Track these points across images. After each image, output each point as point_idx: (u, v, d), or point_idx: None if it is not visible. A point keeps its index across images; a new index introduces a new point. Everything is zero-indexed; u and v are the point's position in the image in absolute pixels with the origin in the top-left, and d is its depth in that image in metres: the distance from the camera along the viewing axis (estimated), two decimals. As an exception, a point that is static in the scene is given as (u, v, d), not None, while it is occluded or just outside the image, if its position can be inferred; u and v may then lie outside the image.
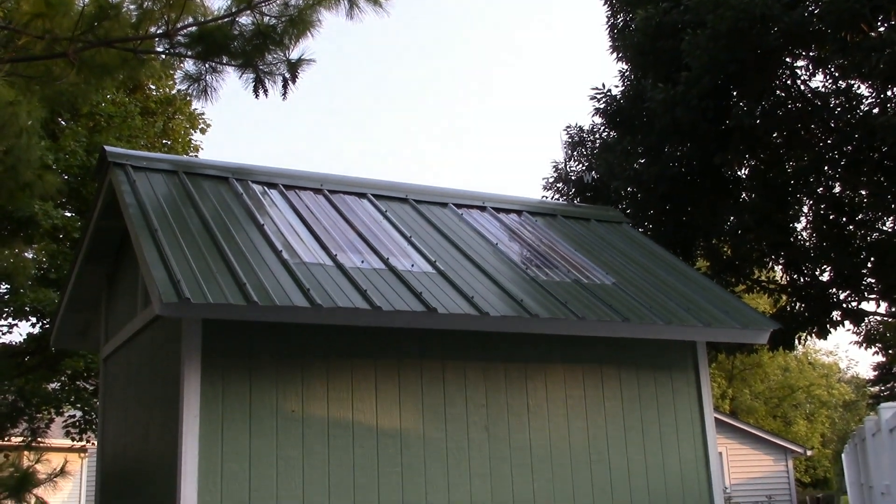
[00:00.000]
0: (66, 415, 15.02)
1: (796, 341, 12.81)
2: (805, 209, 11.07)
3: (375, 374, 4.94)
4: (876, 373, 31.16)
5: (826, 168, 9.68)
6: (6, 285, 11.43)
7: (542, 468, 5.24)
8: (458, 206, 6.78)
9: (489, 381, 5.25)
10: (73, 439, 14.51)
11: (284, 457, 4.60)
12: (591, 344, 5.59)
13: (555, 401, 5.41)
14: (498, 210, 6.98)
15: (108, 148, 5.76)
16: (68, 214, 11.51)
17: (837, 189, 10.55)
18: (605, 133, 11.58)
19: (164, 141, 13.05)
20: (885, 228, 10.63)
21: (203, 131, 13.92)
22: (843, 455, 22.60)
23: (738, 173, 10.88)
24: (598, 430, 5.48)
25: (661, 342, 5.80)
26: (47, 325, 11.90)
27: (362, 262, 5.21)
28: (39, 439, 13.87)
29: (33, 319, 13.48)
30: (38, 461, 7.37)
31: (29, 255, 11.20)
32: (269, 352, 4.70)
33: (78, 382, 14.22)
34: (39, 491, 7.56)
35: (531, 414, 5.31)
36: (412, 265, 5.36)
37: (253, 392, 4.62)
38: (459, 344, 5.19)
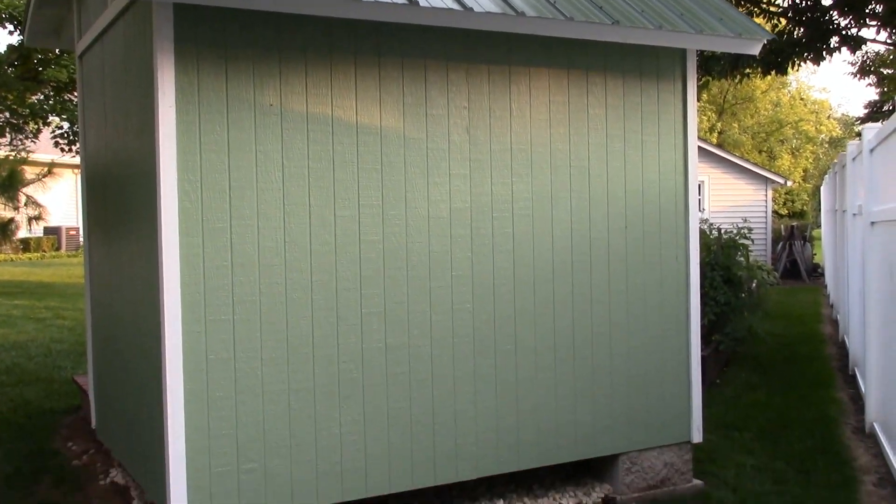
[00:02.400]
0: (54, 126, 14.97)
1: (789, 67, 12.63)
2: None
3: (355, 72, 4.83)
4: (866, 111, 31.11)
5: None
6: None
7: (521, 171, 5.29)
8: None
9: (472, 83, 5.16)
10: (62, 150, 14.60)
11: (264, 150, 4.60)
12: (578, 48, 5.45)
13: (538, 106, 5.36)
14: None
15: None
16: None
17: None
18: None
19: None
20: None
21: None
22: (821, 187, 23.11)
23: None
24: (580, 136, 5.48)
25: (651, 50, 5.67)
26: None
27: (341, -49, 4.91)
28: (29, 150, 13.94)
29: (10, 27, 13.02)
30: (24, 162, 7.42)
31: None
32: (245, 42, 4.55)
33: (63, 95, 14.04)
34: (29, 191, 7.69)
35: (513, 118, 5.28)
36: (394, -43, 5.07)
37: (230, 85, 4.53)
38: (442, 43, 5.04)
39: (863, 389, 7.89)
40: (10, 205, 7.30)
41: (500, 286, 5.24)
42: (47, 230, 27.83)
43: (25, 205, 7.37)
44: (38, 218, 7.52)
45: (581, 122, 5.49)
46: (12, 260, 24.83)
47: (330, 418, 4.76)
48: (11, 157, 7.70)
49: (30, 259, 25.68)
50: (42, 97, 14.00)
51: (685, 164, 5.86)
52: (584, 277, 5.50)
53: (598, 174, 5.56)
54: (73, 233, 28.83)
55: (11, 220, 7.44)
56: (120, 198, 5.50)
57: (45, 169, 7.67)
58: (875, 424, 7.01)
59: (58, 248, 28.21)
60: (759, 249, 21.87)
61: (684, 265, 5.85)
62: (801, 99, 50.87)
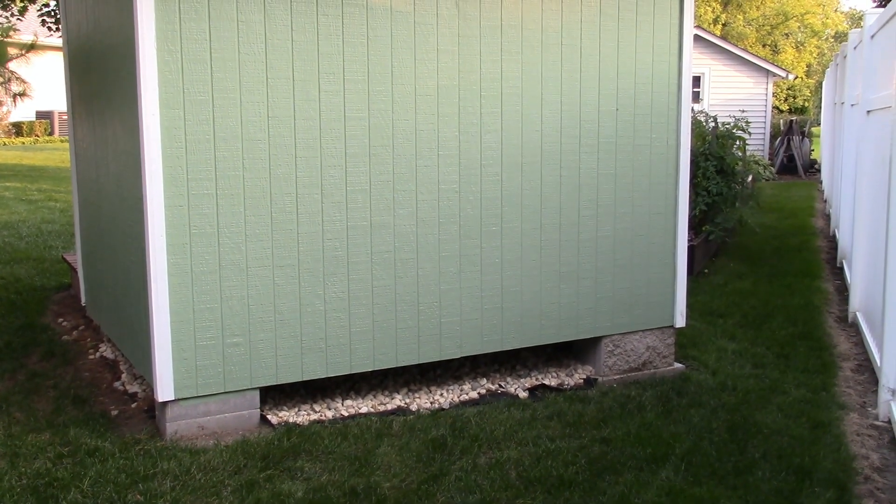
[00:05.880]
0: (40, 2, 14.58)
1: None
2: None
3: (340, -60, 4.66)
4: (874, 3, 30.36)
5: None
6: None
7: (511, 49, 5.17)
8: None
9: (462, -44, 4.99)
10: (48, 28, 14.25)
11: (245, 20, 4.47)
12: (573, -79, 5.25)
13: (530, -19, 5.19)
14: None
15: None
16: None
17: None
18: None
19: None
20: None
21: None
22: (823, 82, 22.77)
23: None
24: (573, 14, 5.33)
25: (649, -76, 5.46)
26: None
27: None
28: (15, 29, 13.57)
29: None
30: (8, 32, 7.22)
31: None
32: None
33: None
34: (13, 66, 7.52)
35: (504, -7, 5.12)
36: None
37: (209, -50, 4.37)
38: (432, -89, 4.85)
39: (849, 280, 7.95)
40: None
41: (487, 167, 5.19)
42: (39, 114, 27.50)
43: (9, 80, 7.21)
44: (22, 94, 7.41)
45: (575, -1, 5.32)
46: (4, 144, 24.58)
47: (314, 295, 4.79)
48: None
49: (22, 143, 25.43)
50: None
51: (680, 45, 5.72)
52: (573, 159, 5.44)
53: (590, 54, 5.43)
54: (66, 117, 28.54)
55: (-5, 96, 7.29)
56: (102, 72, 5.38)
57: (30, 43, 7.48)
58: (858, 314, 7.09)
59: (50, 133, 27.93)
60: (757, 144, 21.71)
61: (675, 150, 5.78)
62: (809, -9, 49.63)
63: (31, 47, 7.55)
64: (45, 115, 27.90)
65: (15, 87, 7.43)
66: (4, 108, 7.14)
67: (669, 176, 5.78)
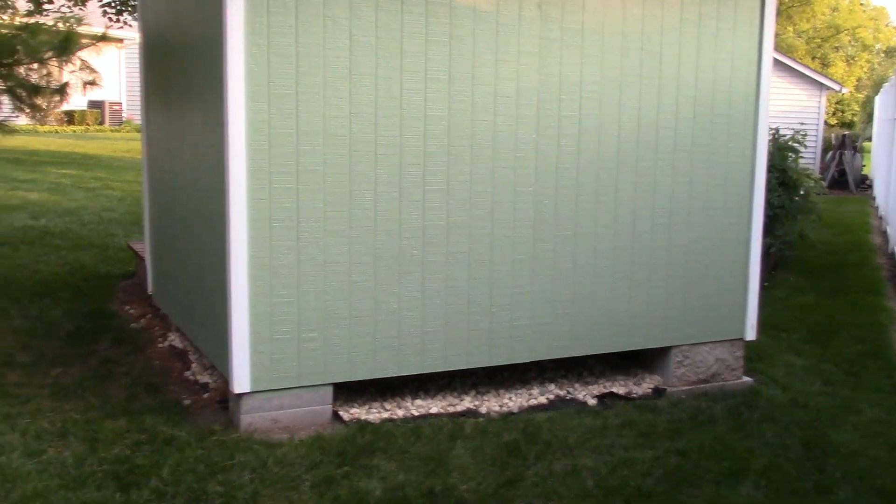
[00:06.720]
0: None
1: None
2: None
3: (429, -62, 4.64)
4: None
5: None
6: None
7: (591, 52, 5.12)
8: None
9: (547, -43, 4.95)
10: (109, 19, 14.44)
11: (332, 16, 4.47)
12: (660, -75, 5.19)
13: (614, -16, 5.14)
14: None
15: None
16: None
17: None
18: None
19: None
20: None
21: None
22: (877, 97, 22.40)
23: None
24: (654, 19, 5.27)
25: (736, -70, 5.39)
26: None
27: None
28: (79, 18, 13.67)
29: None
30: (79, 23, 7.31)
31: None
32: None
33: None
34: (83, 55, 7.61)
35: (587, -4, 5.08)
36: None
37: (300, -55, 4.37)
38: (520, -88, 4.82)
39: (915, 298, 7.79)
40: (65, 68, 7.22)
41: (563, 170, 5.14)
42: (91, 104, 27.87)
43: (81, 69, 7.29)
44: (92, 83, 7.45)
45: (656, 3, 5.26)
46: (56, 132, 24.95)
47: (389, 293, 4.77)
48: (59, 25, 7.56)
49: (73, 131, 25.79)
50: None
51: (759, 54, 5.64)
52: (649, 166, 5.38)
53: (670, 60, 5.36)
54: (116, 107, 28.83)
55: (66, 83, 7.37)
56: (180, 63, 5.42)
57: (101, 34, 7.56)
58: (927, 333, 6.94)
59: (101, 123, 28.29)
60: (809, 157, 21.37)
61: (751, 160, 5.70)
62: (861, 4, 48.94)
63: (103, 38, 7.64)
64: (96, 105, 28.26)
65: (85, 76, 7.55)
66: (77, 96, 7.29)
67: (744, 186, 5.69)
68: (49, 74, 7.12)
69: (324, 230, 4.59)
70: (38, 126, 23.78)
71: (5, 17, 7.12)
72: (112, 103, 28.74)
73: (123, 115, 28.94)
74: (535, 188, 5.07)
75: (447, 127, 4.81)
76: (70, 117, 26.81)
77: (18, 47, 6.55)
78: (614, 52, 5.18)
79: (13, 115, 7.60)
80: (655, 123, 5.36)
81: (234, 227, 4.38)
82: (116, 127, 28.10)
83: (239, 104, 4.33)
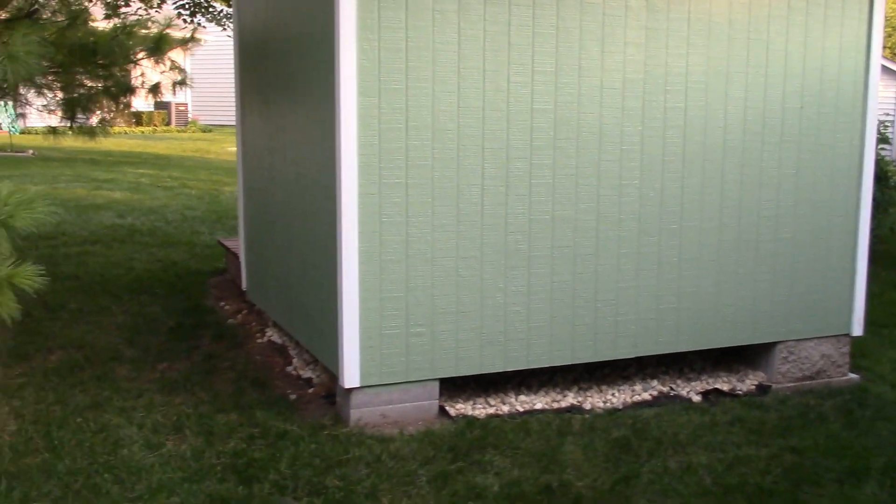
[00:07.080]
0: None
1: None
2: None
3: (534, -71, 4.59)
4: None
5: None
6: None
7: (697, 42, 5.02)
8: None
9: (652, -54, 4.86)
10: (183, 20, 14.65)
11: (441, 9, 4.45)
12: (767, -89, 5.07)
13: (719, -28, 5.03)
14: None
15: None
16: None
17: None
18: None
19: None
20: None
21: None
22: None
23: None
24: (762, 8, 5.14)
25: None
26: None
27: None
28: (153, 20, 13.89)
29: None
30: (169, 24, 7.41)
31: None
32: None
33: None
34: (173, 55, 7.72)
35: (692, -15, 4.98)
36: None
37: (408, -61, 4.36)
38: None
39: None
40: (157, 68, 7.33)
41: (668, 163, 5.05)
42: (158, 105, 28.41)
43: (171, 69, 7.40)
44: (182, 83, 7.55)
45: (762, -8, 5.14)
46: (126, 133, 25.48)
47: (495, 287, 4.74)
48: (148, 28, 7.68)
49: (142, 132, 26.32)
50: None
51: (868, 41, 5.47)
52: (755, 157, 5.25)
53: (777, 49, 5.23)
54: (182, 108, 29.36)
55: (158, 83, 7.49)
56: (281, 61, 5.45)
57: (190, 36, 7.66)
58: None
59: (168, 123, 28.83)
60: (887, 148, 20.83)
61: (859, 150, 5.54)
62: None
63: (192, 39, 7.77)
64: (162, 106, 28.80)
65: (175, 76, 7.68)
66: (167, 97, 7.43)
67: (852, 178, 5.54)
68: (143, 75, 7.24)
69: (432, 225, 4.57)
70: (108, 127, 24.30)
71: (118, 20, 7.26)
72: (178, 104, 29.26)
73: (189, 115, 29.44)
74: (641, 181, 4.99)
75: (553, 120, 4.75)
76: (138, 118, 27.34)
77: (116, 49, 6.66)
78: (721, 41, 5.08)
79: (110, 116, 7.73)
80: (762, 114, 5.24)
81: (346, 222, 4.39)
82: (182, 127, 28.61)
83: (350, 99, 4.34)
